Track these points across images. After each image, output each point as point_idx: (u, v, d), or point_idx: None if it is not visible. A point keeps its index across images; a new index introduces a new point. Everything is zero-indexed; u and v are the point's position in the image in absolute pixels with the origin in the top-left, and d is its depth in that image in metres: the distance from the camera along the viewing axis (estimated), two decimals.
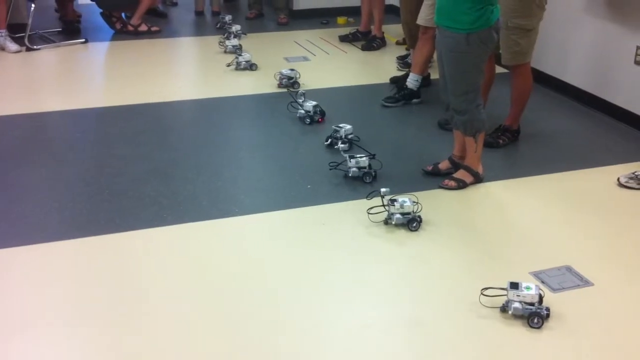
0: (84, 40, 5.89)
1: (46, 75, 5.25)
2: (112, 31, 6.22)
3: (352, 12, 6.72)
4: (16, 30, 5.63)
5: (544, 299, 2.34)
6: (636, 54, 4.04)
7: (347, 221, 2.99)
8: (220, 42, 5.68)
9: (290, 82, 4.70)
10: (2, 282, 2.53)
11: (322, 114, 4.12)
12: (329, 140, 3.75)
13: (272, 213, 3.08)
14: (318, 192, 3.27)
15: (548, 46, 4.69)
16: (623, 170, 3.47)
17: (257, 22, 6.86)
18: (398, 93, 4.50)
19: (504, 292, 2.35)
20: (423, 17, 4.21)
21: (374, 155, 3.39)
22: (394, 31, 6.18)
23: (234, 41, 5.54)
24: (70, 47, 5.75)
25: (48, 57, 5.51)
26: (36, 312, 2.36)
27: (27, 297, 2.45)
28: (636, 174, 3.37)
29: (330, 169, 3.44)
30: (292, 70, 4.75)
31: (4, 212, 3.02)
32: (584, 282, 2.57)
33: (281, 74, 4.73)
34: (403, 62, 5.26)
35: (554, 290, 2.51)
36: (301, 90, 4.42)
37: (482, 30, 3.00)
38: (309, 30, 6.46)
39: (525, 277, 2.56)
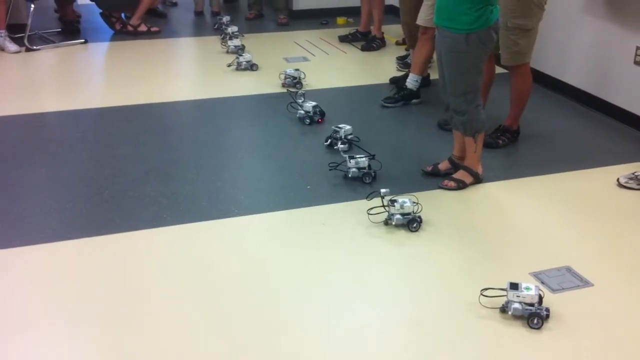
0: (83, 40, 5.89)
1: (46, 75, 5.24)
2: (111, 31, 6.23)
3: (352, 12, 6.72)
4: (16, 31, 5.63)
5: (543, 300, 2.34)
6: (636, 54, 4.05)
7: (347, 221, 2.99)
8: (223, 42, 5.69)
9: (294, 82, 4.71)
10: (2, 282, 2.53)
11: (322, 114, 4.12)
12: (329, 140, 3.76)
13: (271, 213, 3.08)
14: (318, 192, 3.27)
15: (547, 46, 4.69)
16: (623, 170, 3.48)
17: (256, 22, 6.86)
18: (398, 93, 4.50)
19: (504, 293, 2.35)
20: (423, 18, 4.21)
21: (374, 155, 3.39)
22: (393, 31, 6.19)
23: (237, 41, 5.54)
24: (69, 48, 5.75)
25: (48, 57, 5.50)
26: (36, 312, 2.36)
27: (27, 297, 2.45)
28: (636, 174, 3.37)
29: (330, 170, 3.44)
30: (296, 70, 4.76)
31: (4, 212, 3.02)
32: (584, 283, 2.57)
33: (285, 73, 4.74)
34: (403, 62, 5.26)
35: (553, 290, 2.51)
36: (301, 90, 4.42)
37: (482, 30, 3.00)
38: (309, 31, 6.46)
39: (525, 277, 2.57)
